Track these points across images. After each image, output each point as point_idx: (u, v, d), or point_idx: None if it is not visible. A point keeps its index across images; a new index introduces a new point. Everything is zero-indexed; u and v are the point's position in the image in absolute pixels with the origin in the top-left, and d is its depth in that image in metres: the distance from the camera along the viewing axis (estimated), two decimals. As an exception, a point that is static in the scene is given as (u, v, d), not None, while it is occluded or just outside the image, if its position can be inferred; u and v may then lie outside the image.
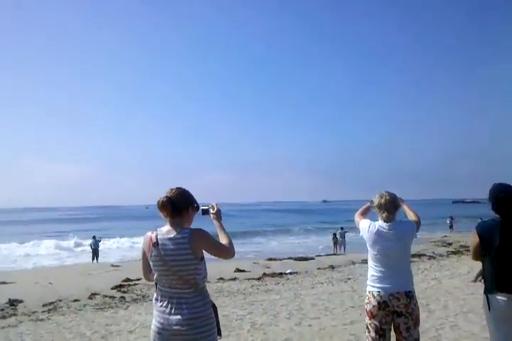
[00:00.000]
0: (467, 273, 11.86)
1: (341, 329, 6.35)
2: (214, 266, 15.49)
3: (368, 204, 3.71)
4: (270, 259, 18.89)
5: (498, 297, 3.01)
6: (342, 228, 24.49)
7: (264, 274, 14.11)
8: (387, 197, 3.40)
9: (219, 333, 2.60)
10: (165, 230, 2.59)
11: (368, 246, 3.42)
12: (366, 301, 3.39)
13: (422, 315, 7.10)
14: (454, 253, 18.63)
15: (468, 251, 19.19)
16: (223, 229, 2.77)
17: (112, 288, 12.27)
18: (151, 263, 2.59)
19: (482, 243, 3.12)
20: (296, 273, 14.41)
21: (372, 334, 3.32)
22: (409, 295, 3.27)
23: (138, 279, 13.82)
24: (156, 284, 2.63)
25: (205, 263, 2.60)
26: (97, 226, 51.21)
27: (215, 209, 2.85)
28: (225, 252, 2.62)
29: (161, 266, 2.52)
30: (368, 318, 3.36)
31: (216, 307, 2.66)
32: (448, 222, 35.54)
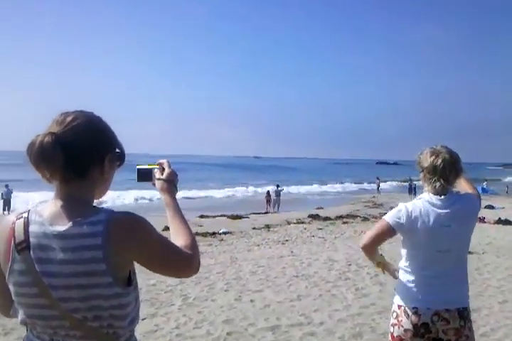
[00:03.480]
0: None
1: (288, 307, 5.52)
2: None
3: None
4: (202, 216, 17.93)
5: None
6: (278, 186, 23.93)
7: (196, 233, 13.12)
8: (446, 156, 2.15)
9: None
10: (47, 212, 1.20)
11: (407, 241, 2.23)
12: (393, 321, 2.22)
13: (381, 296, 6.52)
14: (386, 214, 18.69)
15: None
16: (180, 213, 1.39)
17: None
18: (10, 286, 1.20)
19: None
20: (231, 233, 13.60)
21: None
22: (464, 314, 2.16)
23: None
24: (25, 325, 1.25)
25: (136, 289, 1.25)
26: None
27: (167, 171, 1.47)
28: (183, 266, 1.27)
29: (32, 298, 1.17)
30: None
31: None
32: (376, 183, 35.32)
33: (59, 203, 1.21)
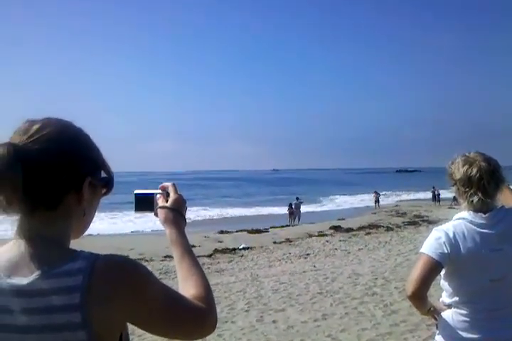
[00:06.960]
0: (432, 247, 11.20)
1: (313, 327, 5.21)
2: (158, 239, 14.04)
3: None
4: (222, 232, 17.69)
5: None
6: (297, 198, 23.62)
7: (216, 250, 12.89)
8: (483, 164, 1.78)
9: None
10: (3, 259, 0.85)
11: (452, 272, 1.82)
12: None
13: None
14: (410, 223, 18.20)
15: (424, 221, 18.87)
16: (190, 252, 1.07)
17: None
18: None
19: None
20: (251, 248, 13.30)
21: None
22: None
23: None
24: None
25: None
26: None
27: (173, 197, 1.14)
28: (196, 325, 0.93)
29: None
30: None
31: None
32: (374, 197, 30.59)
33: (20, 245, 0.86)
